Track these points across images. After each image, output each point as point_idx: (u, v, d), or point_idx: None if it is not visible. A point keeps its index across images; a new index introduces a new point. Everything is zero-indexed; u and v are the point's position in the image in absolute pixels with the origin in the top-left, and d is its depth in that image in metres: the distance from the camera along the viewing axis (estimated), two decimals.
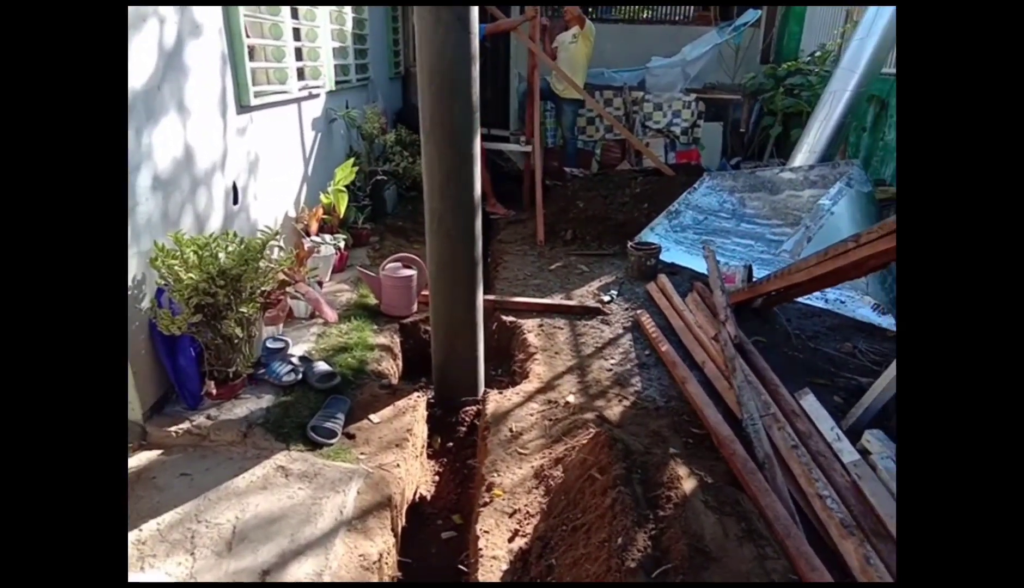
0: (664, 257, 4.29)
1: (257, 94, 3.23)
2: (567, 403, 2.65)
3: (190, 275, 2.12)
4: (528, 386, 2.80)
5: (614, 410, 2.60)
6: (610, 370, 2.96)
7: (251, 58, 3.19)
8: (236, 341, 2.33)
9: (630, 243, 4.27)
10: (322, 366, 2.66)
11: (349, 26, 5.00)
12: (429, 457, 2.81)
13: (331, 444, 2.30)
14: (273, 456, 2.20)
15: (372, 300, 3.55)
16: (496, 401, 2.67)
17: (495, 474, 2.19)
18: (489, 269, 4.65)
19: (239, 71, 3.04)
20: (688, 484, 1.84)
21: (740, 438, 2.26)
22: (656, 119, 6.48)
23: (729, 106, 6.87)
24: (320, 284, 3.35)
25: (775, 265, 4.25)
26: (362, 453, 2.30)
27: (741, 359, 2.73)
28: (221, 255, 2.24)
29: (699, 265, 4.35)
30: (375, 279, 3.45)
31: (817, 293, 3.61)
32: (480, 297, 2.88)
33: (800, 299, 3.60)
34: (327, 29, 4.40)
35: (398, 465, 2.25)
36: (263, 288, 2.38)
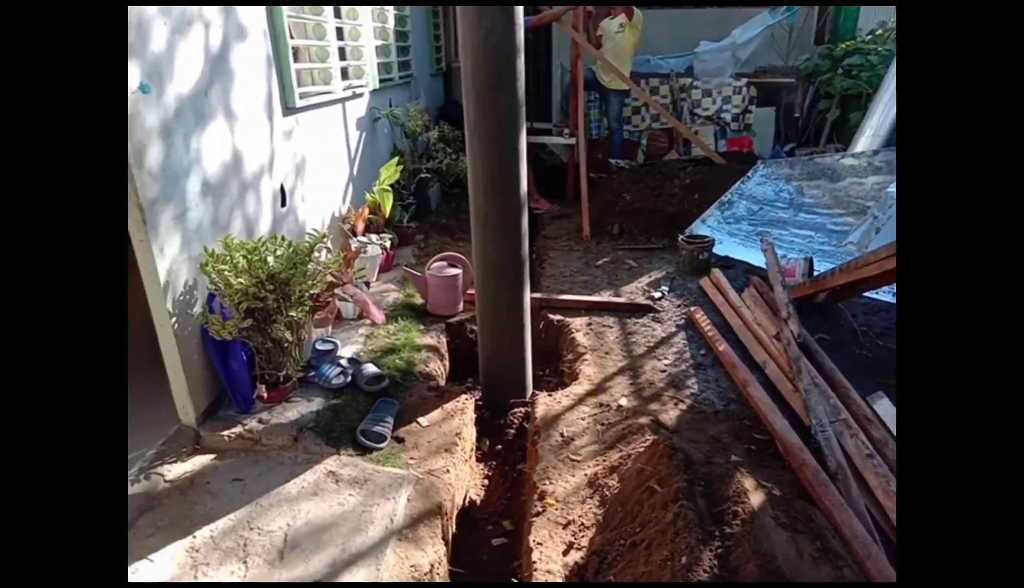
0: (717, 250, 4.12)
1: (302, 95, 3.23)
2: (619, 406, 2.55)
3: (240, 280, 2.12)
4: (578, 388, 2.71)
5: (670, 414, 2.49)
6: (664, 371, 2.84)
7: (296, 59, 3.19)
8: (286, 345, 2.33)
9: (681, 236, 4.12)
10: (371, 368, 2.64)
11: (391, 23, 4.98)
12: (478, 460, 2.76)
13: (381, 448, 2.28)
14: (324, 461, 2.18)
15: (418, 300, 3.52)
16: (545, 404, 2.59)
17: (547, 482, 2.12)
18: (534, 266, 4.57)
19: (284, 73, 3.04)
20: (755, 498, 1.72)
21: (809, 446, 2.13)
22: (705, 106, 6.25)
23: (782, 90, 6.56)
24: (367, 285, 3.35)
25: (837, 258, 4.03)
26: (411, 458, 2.26)
27: (806, 359, 2.57)
28: (270, 259, 2.23)
29: (755, 258, 4.17)
30: (421, 279, 3.42)
31: (886, 286, 3.38)
32: (527, 296, 2.81)
33: (867, 293, 3.39)
34: (369, 27, 4.39)
35: (448, 470, 2.20)
36: (312, 291, 2.36)
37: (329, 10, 3.66)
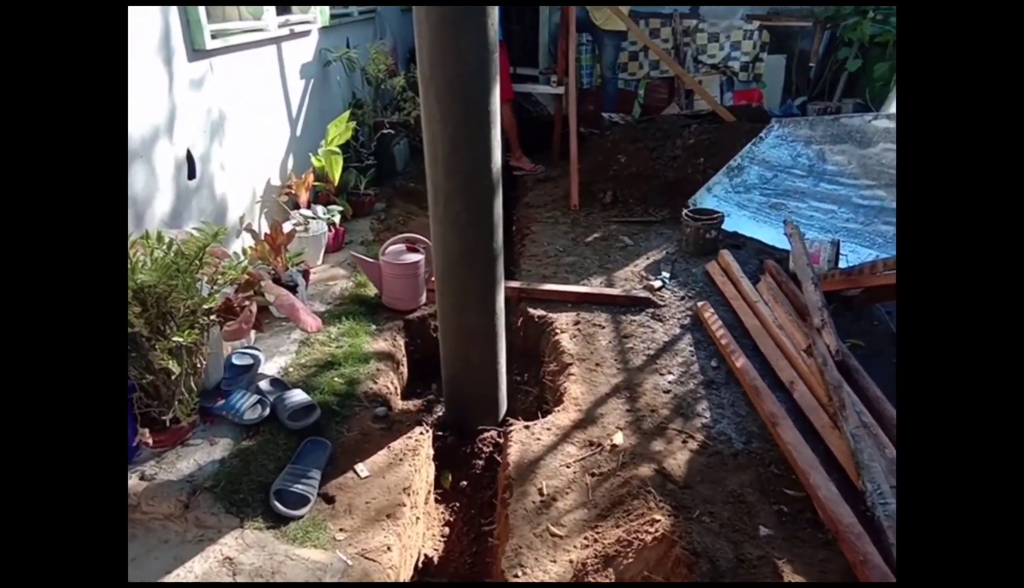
0: (725, 225, 3.53)
1: (217, 34, 2.53)
2: (614, 445, 2.01)
3: None
4: (562, 418, 2.17)
5: (677, 458, 1.96)
6: (668, 391, 2.30)
7: None
8: (174, 377, 1.74)
9: (685, 211, 3.52)
10: (296, 396, 2.06)
11: None
12: (437, 501, 2.24)
13: (300, 516, 1.73)
14: (221, 538, 1.63)
15: (371, 290, 2.92)
16: (521, 442, 2.05)
17: (519, 569, 1.59)
18: (512, 243, 3.97)
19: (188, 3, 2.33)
20: None
21: (858, 513, 1.62)
22: (711, 52, 5.53)
23: (796, 36, 5.85)
24: (307, 274, 2.73)
25: (865, 237, 3.47)
26: (342, 530, 1.72)
27: (848, 388, 2.04)
28: (140, 271, 1.61)
29: (768, 235, 3.60)
30: (374, 266, 2.81)
31: None
32: (501, 298, 2.23)
33: None
34: None
35: (389, 548, 1.67)
36: (206, 306, 1.76)
37: None
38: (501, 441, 2.22)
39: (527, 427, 2.12)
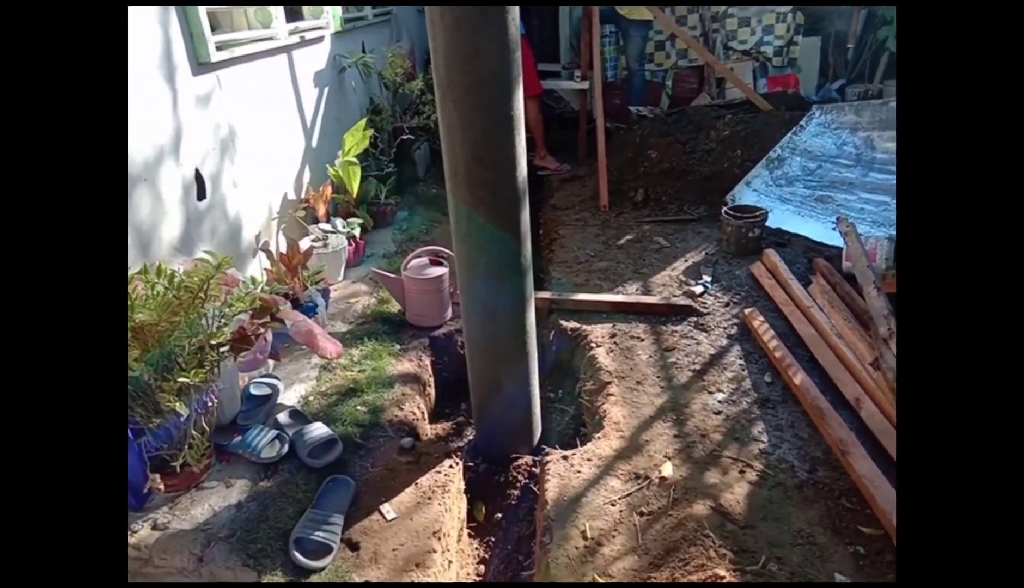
0: (767, 221, 3.29)
1: (222, 45, 2.40)
2: (663, 478, 1.83)
3: None
4: (603, 446, 1.99)
5: (735, 492, 1.76)
6: (718, 412, 2.10)
7: None
8: (182, 419, 1.61)
9: (724, 208, 3.30)
10: (317, 431, 1.92)
11: None
12: (471, 535, 2.09)
13: (323, 568, 1.59)
14: None
15: (394, 306, 2.78)
16: (560, 476, 1.88)
17: None
18: (540, 248, 3.79)
19: (191, 16, 2.21)
20: None
21: None
22: (742, 38, 5.26)
23: (831, 16, 5.54)
24: (327, 293, 2.60)
25: None
26: (368, 582, 1.57)
27: None
28: (139, 309, 1.48)
29: (815, 230, 3.36)
30: (395, 282, 2.66)
31: None
32: (531, 316, 2.06)
33: None
34: None
35: None
36: (214, 341, 1.62)
37: None
38: (537, 471, 2.05)
39: (565, 457, 1.95)
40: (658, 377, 2.31)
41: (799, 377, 2.12)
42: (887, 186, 3.46)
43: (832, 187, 3.60)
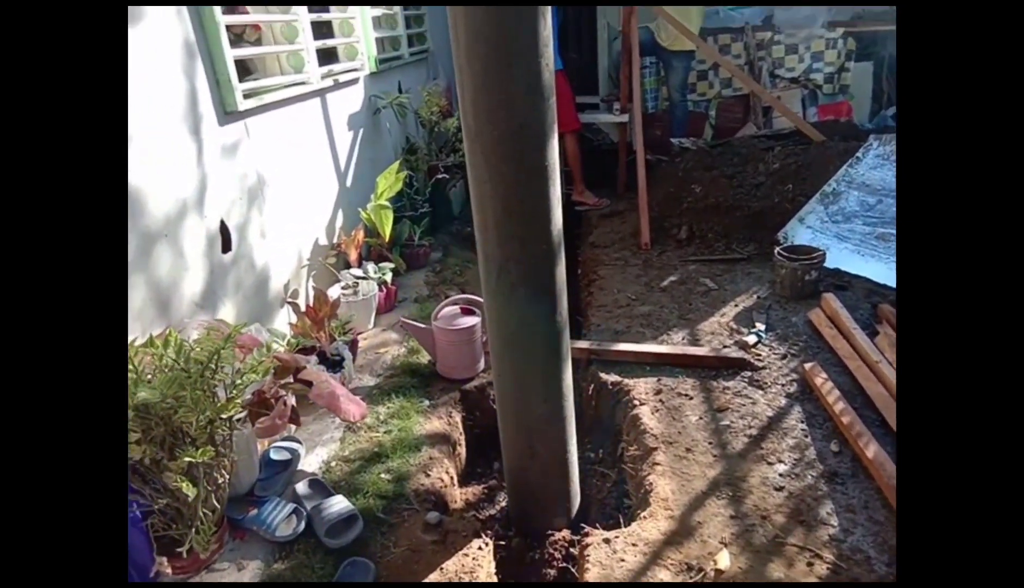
0: (825, 261, 3.05)
1: (251, 93, 2.36)
2: (719, 571, 1.61)
3: None
4: (650, 528, 1.78)
5: None
6: (780, 488, 1.87)
7: (240, 41, 2.32)
8: (190, 499, 1.49)
9: (777, 249, 3.07)
10: (336, 506, 1.78)
11: None
12: None
13: None
14: None
15: (424, 356, 2.64)
16: (601, 564, 1.68)
17: None
18: (578, 289, 3.62)
19: (218, 64, 2.17)
20: None
21: None
22: (789, 65, 5.04)
23: (883, 40, 5.26)
24: (355, 344, 2.49)
25: None
26: None
27: None
28: (141, 386, 1.37)
29: (877, 271, 3.10)
30: (426, 332, 2.53)
31: None
32: (568, 377, 1.89)
33: None
34: None
35: None
36: (225, 415, 1.51)
37: None
38: (575, 551, 1.86)
39: (607, 541, 1.75)
40: (710, 443, 2.10)
41: (872, 449, 1.88)
42: None
43: (894, 224, 3.33)
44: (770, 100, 4.58)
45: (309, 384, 1.95)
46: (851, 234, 3.39)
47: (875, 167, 3.64)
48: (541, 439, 1.92)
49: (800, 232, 3.48)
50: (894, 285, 2.98)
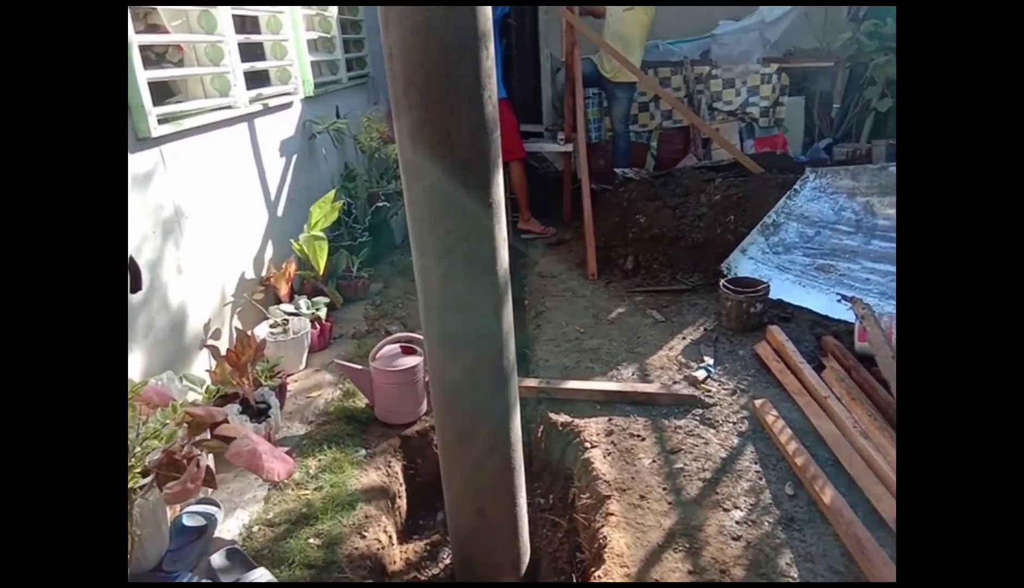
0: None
1: (167, 118, 2.16)
2: None
3: None
4: None
5: None
6: (737, 537, 1.80)
7: (163, 61, 2.12)
8: None
9: (722, 280, 3.07)
10: (256, 581, 1.57)
11: (333, 9, 3.90)
12: None
13: None
14: None
15: (361, 400, 2.46)
16: None
17: None
18: (526, 321, 3.52)
19: (130, 87, 1.96)
20: None
21: None
22: (727, 98, 5.18)
23: (814, 76, 5.50)
24: (283, 389, 2.28)
25: None
26: None
27: None
28: None
29: (819, 302, 3.14)
30: (363, 374, 2.36)
31: None
32: (517, 427, 1.77)
33: None
34: (299, 15, 3.30)
35: None
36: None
37: None
38: None
39: None
40: (664, 489, 2.01)
41: (828, 494, 1.83)
42: (892, 255, 3.27)
43: (833, 255, 3.41)
44: (710, 132, 4.67)
45: (228, 440, 1.75)
46: (792, 265, 3.44)
47: (812, 199, 3.73)
48: (489, 496, 1.78)
49: (743, 263, 3.50)
50: (834, 316, 3.02)
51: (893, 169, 3.57)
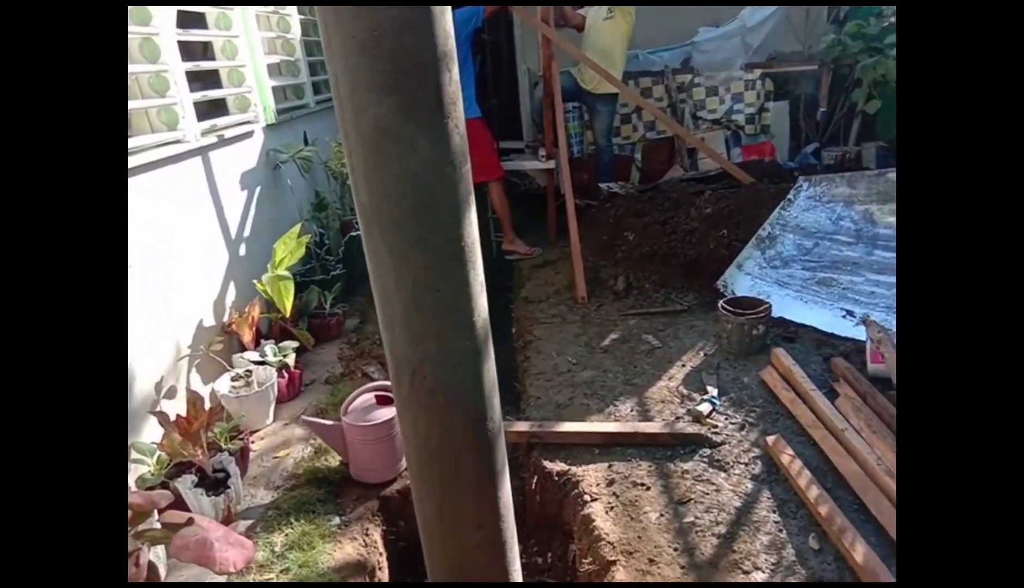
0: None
1: None
2: None
3: None
4: None
5: None
6: None
7: None
8: None
9: (720, 302, 2.87)
10: None
11: (296, 31, 3.69)
12: None
13: None
14: None
15: (334, 459, 2.23)
16: None
17: None
18: (514, 352, 3.30)
19: None
20: None
21: None
22: (711, 107, 5.04)
23: (798, 80, 5.39)
24: (245, 453, 2.05)
25: None
26: None
27: None
28: None
29: (822, 319, 2.97)
30: (334, 430, 2.12)
31: None
32: (507, 493, 1.54)
33: None
34: (257, 39, 3.09)
35: None
36: None
37: (171, 16, 2.36)
38: None
39: None
40: (675, 549, 1.79)
41: (860, 551, 1.62)
42: (895, 266, 3.10)
43: (834, 268, 3.23)
44: (695, 142, 4.52)
45: (177, 527, 1.52)
46: (791, 280, 3.26)
47: (808, 209, 3.56)
48: (477, 577, 1.56)
49: (740, 279, 3.32)
50: (841, 334, 2.85)
51: (891, 175, 3.42)
